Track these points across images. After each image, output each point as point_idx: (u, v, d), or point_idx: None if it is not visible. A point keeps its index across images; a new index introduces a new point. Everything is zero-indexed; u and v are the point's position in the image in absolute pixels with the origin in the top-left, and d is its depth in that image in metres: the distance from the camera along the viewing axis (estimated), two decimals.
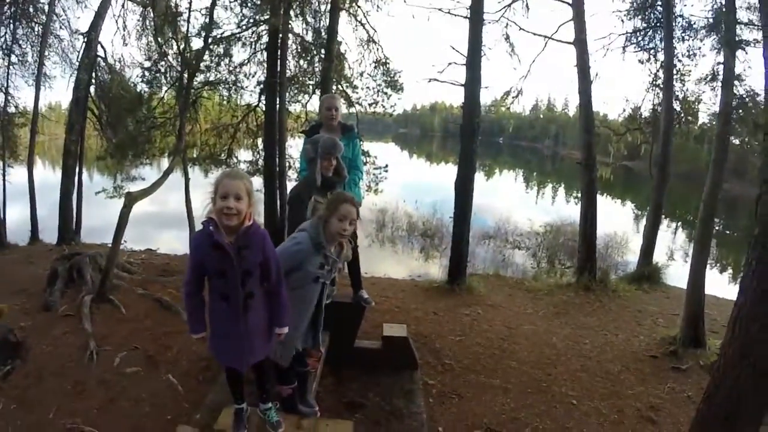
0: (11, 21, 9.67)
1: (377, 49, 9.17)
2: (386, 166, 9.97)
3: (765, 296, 2.27)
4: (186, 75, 7.64)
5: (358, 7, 8.69)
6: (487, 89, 7.24)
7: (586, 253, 7.36)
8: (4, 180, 9.81)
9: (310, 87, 9.41)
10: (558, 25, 7.80)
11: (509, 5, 8.09)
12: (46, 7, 9.88)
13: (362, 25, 8.89)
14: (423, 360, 4.44)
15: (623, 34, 8.34)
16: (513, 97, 8.95)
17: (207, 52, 7.90)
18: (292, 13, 7.76)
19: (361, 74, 9.41)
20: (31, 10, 9.81)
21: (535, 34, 8.00)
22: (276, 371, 2.63)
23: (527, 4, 8.10)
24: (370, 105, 9.65)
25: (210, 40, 7.65)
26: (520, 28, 8.05)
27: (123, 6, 8.87)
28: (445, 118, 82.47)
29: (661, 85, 8.01)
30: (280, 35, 7.46)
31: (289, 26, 7.93)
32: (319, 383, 3.53)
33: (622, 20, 8.32)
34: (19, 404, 3.57)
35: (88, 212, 9.74)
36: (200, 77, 8.46)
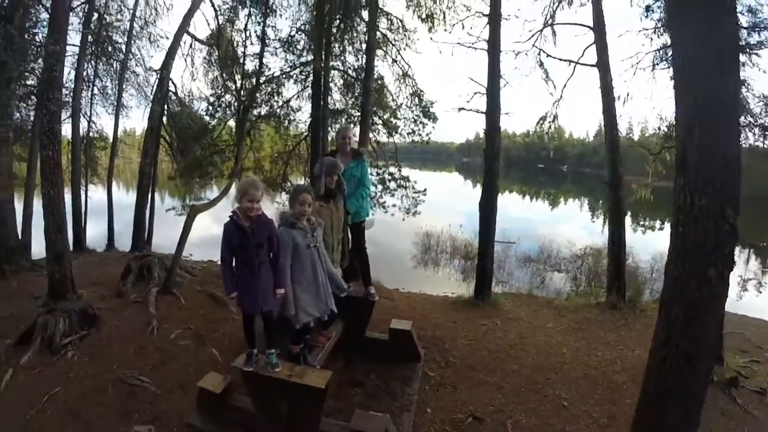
0: (93, 58, 12.01)
1: (412, 83, 10.24)
2: (425, 190, 10.85)
3: (680, 279, 2.55)
4: (242, 109, 9.11)
5: (393, 45, 9.81)
6: (508, 115, 7.79)
7: (615, 272, 7.50)
8: (86, 195, 11.89)
9: (355, 118, 10.55)
10: (583, 49, 8.04)
11: (540, 31, 8.61)
12: (124, 47, 12.18)
13: (395, 61, 10.02)
14: (429, 356, 5.09)
15: (651, 51, 8.33)
16: (549, 122, 9.39)
17: (258, 91, 9.40)
18: (333, 54, 9.06)
19: (399, 106, 10.46)
20: (110, 48, 12.13)
21: (561, 59, 8.40)
22: (292, 333, 3.56)
23: (554, 30, 8.55)
24: (408, 134, 10.65)
25: (262, 79, 9.12)
26: (548, 55, 8.50)
27: (191, 46, 10.70)
28: (507, 147, 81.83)
29: None
30: (323, 74, 8.65)
31: (332, 66, 9.24)
32: (330, 363, 4.34)
33: (651, 38, 8.43)
34: (90, 358, 4.82)
35: (159, 229, 11.36)
36: (255, 111, 10.04)
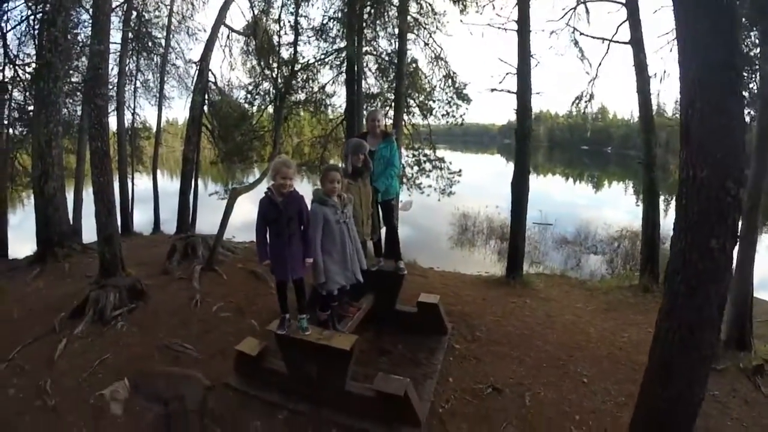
0: (135, 53, 12.79)
1: (445, 65, 10.33)
2: (459, 171, 10.97)
3: (683, 252, 2.57)
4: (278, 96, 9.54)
5: (424, 28, 9.90)
6: (539, 95, 7.76)
7: (648, 254, 7.46)
8: (132, 182, 12.77)
9: (390, 101, 10.75)
10: (616, 26, 7.93)
11: (573, 9, 8.44)
12: (163, 41, 12.90)
13: (427, 45, 10.13)
14: (457, 330, 5.27)
15: None
16: (585, 102, 9.26)
17: (294, 78, 9.82)
18: (366, 40, 9.30)
19: (433, 88, 10.56)
20: (150, 44, 12.90)
21: (594, 37, 8.22)
22: (320, 300, 3.92)
23: (587, 7, 8.37)
24: (442, 116, 10.78)
25: (297, 67, 9.50)
26: (581, 33, 8.34)
27: (228, 37, 11.22)
28: (551, 128, 79.44)
29: None
30: (356, 60, 8.90)
31: (365, 51, 9.51)
32: (360, 332, 4.56)
33: None
34: (138, 328, 5.35)
35: (202, 214, 11.97)
36: (292, 97, 10.48)
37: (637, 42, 7.40)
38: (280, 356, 4.00)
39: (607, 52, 8.32)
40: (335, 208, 3.71)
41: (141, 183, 14.86)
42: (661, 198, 7.93)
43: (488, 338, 5.19)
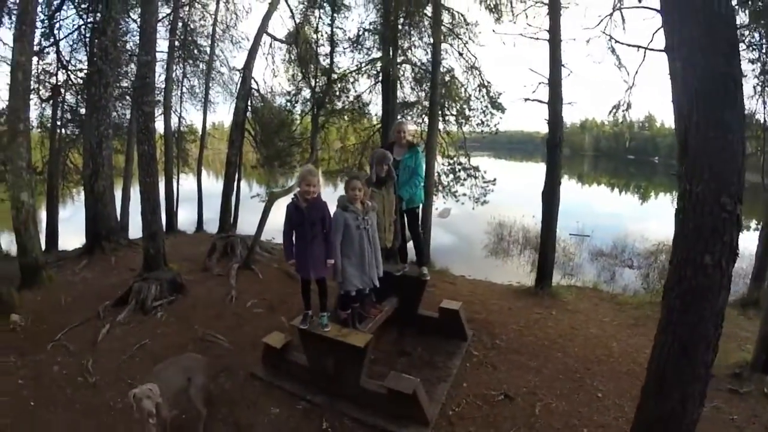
0: (181, 61, 13.68)
1: (479, 74, 10.47)
2: (494, 180, 11.02)
3: (678, 266, 2.58)
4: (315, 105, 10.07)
5: (459, 39, 10.09)
6: (571, 105, 7.73)
7: None
8: (178, 183, 13.64)
9: (427, 110, 11.02)
10: (652, 33, 7.71)
11: (609, 15, 8.30)
12: (208, 49, 13.72)
13: (461, 54, 10.30)
14: (477, 337, 5.42)
15: None
16: (623, 111, 9.12)
17: (331, 88, 10.40)
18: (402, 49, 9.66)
19: (469, 97, 10.72)
20: (196, 51, 13.77)
21: (629, 45, 8.05)
22: (340, 300, 4.20)
23: (623, 15, 8.23)
24: (477, 125, 10.95)
25: (334, 77, 9.98)
26: (616, 41, 8.16)
27: (271, 45, 11.81)
28: (597, 137, 77.23)
29: None
30: (390, 71, 9.22)
31: (402, 60, 9.86)
32: (382, 334, 4.96)
33: None
34: (176, 319, 5.86)
35: (244, 215, 12.58)
36: (328, 106, 11.06)
37: (671, 50, 7.14)
38: (302, 350, 4.31)
39: (643, 60, 8.12)
40: (356, 214, 3.96)
41: (187, 183, 15.79)
42: None
43: (507, 347, 5.28)
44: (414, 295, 5.28)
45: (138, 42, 8.31)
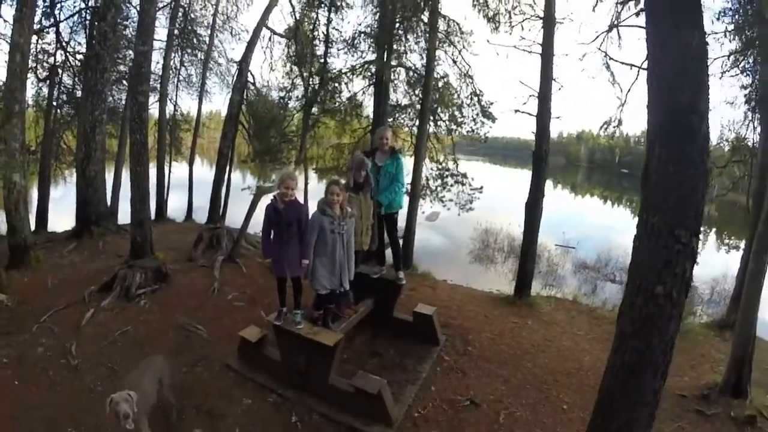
0: (179, 49, 13.76)
1: (472, 83, 10.64)
2: (481, 187, 11.22)
3: (631, 294, 2.69)
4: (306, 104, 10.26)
5: (454, 46, 10.27)
6: (559, 119, 7.90)
7: None
8: (170, 171, 13.76)
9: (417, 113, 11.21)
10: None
11: (607, 32, 8.43)
12: (207, 39, 13.81)
13: (455, 62, 10.46)
14: (450, 343, 5.56)
15: (720, 57, 7.90)
16: (614, 127, 9.30)
17: (323, 88, 10.61)
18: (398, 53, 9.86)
19: (461, 104, 10.89)
20: (195, 41, 13.88)
21: (623, 63, 8.15)
22: (315, 300, 4.33)
23: (619, 33, 8.36)
24: (468, 132, 11.17)
25: (327, 77, 10.17)
26: (610, 58, 8.28)
27: (270, 39, 11.91)
28: (592, 149, 77.77)
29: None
30: (384, 74, 9.42)
31: (398, 63, 10.05)
32: (357, 334, 5.17)
33: (721, 42, 7.90)
34: (159, 307, 6.01)
35: (234, 206, 12.59)
36: (320, 106, 11.26)
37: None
38: (276, 345, 4.47)
39: (636, 79, 8.26)
40: (332, 218, 4.10)
41: (179, 170, 15.85)
42: None
43: (479, 354, 5.42)
44: (389, 298, 5.44)
45: (136, 29, 8.41)
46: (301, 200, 9.77)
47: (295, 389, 4.27)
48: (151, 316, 5.81)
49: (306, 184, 11.28)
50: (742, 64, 8.18)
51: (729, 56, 7.92)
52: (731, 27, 8.17)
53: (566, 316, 7.47)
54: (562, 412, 4.47)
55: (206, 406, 4.15)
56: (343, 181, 4.48)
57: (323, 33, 11.11)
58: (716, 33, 8.22)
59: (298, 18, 11.42)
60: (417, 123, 10.31)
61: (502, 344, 5.82)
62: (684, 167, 2.47)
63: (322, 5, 10.99)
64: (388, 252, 5.66)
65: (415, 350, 5.18)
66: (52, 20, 11.04)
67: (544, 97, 7.35)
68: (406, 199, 9.69)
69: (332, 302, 4.39)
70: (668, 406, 4.67)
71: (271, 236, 4.10)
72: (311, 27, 11.34)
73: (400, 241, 8.30)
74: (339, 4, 10.79)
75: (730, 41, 8.18)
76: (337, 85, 11.35)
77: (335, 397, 4.06)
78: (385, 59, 9.43)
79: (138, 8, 8.73)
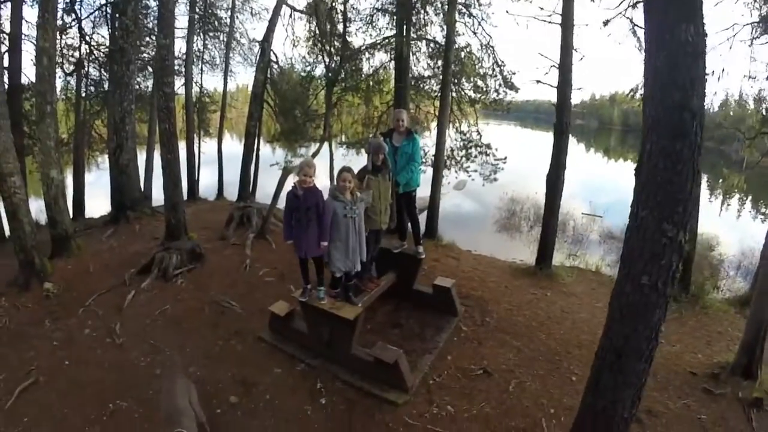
0: (201, 33, 14.14)
1: (493, 52, 10.61)
2: (505, 158, 11.31)
3: (621, 281, 2.84)
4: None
5: (473, 18, 10.24)
6: (581, 90, 7.90)
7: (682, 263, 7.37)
8: (199, 151, 14.42)
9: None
10: None
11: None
12: (228, 21, 14.10)
13: (476, 33, 10.45)
14: (469, 314, 5.90)
15: (750, 23, 7.47)
16: (640, 94, 9.18)
17: (343, 67, 10.93)
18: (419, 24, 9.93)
19: (484, 75, 10.89)
20: (216, 24, 14.20)
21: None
22: (332, 281, 4.72)
23: None
24: (490, 103, 11.21)
25: (347, 55, 10.37)
26: (635, 25, 8.09)
27: (291, 16, 12.05)
28: (626, 111, 74.82)
29: None
30: (404, 50, 9.52)
31: (419, 35, 10.12)
32: (380, 305, 5.62)
33: (750, 8, 7.49)
34: (194, 286, 6.58)
35: (265, 179, 13.12)
36: (342, 84, 11.56)
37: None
38: (303, 319, 4.95)
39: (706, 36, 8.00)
40: (344, 203, 4.42)
41: (210, 147, 16.47)
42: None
43: (496, 325, 5.74)
44: (410, 272, 5.81)
45: (157, 24, 8.73)
46: (328, 176, 10.13)
47: (320, 358, 4.74)
48: (187, 295, 6.37)
49: (331, 161, 11.64)
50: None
51: (759, 23, 7.52)
52: None
53: (587, 287, 7.64)
54: (570, 383, 4.70)
55: (240, 375, 4.67)
56: (355, 169, 4.74)
57: (341, 11, 11.21)
58: None
59: None
60: (439, 95, 10.44)
61: (519, 315, 6.09)
62: (674, 164, 2.56)
63: None
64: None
65: (435, 321, 5.56)
66: (73, 16, 11.60)
67: (565, 68, 7.34)
68: (426, 175, 9.99)
69: (351, 280, 4.76)
70: (678, 383, 4.87)
71: (292, 220, 4.45)
72: (330, 2, 11.43)
73: (424, 214, 8.64)
74: None
75: (760, 7, 7.72)
76: (357, 62, 11.51)
77: (356, 365, 4.50)
78: (404, 34, 9.49)
79: (157, 1, 9.01)
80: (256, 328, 5.48)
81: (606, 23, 7.89)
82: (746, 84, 8.09)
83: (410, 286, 5.85)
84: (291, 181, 5.25)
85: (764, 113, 7.65)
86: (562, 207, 13.69)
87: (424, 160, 10.66)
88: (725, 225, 16.35)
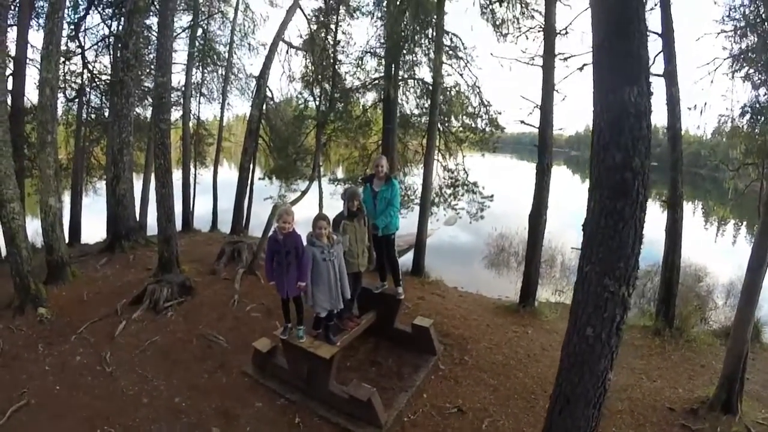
0: (200, 66, 14.82)
1: (479, 93, 11.13)
2: (491, 195, 11.72)
3: (568, 331, 2.99)
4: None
5: (460, 59, 10.81)
6: (562, 131, 8.31)
7: (664, 296, 7.59)
8: (195, 182, 14.88)
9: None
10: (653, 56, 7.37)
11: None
12: (226, 55, 14.98)
13: (461, 75, 11.00)
14: (448, 352, 6.14)
15: (730, 57, 7.87)
16: None
17: (332, 109, 11.54)
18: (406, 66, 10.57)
19: (472, 114, 11.41)
20: (215, 57, 15.21)
21: None
22: (314, 321, 5.04)
23: None
24: (475, 143, 11.81)
25: (337, 95, 11.00)
26: None
27: (287, 52, 12.74)
28: None
29: None
30: (391, 92, 10.10)
31: (406, 77, 10.76)
32: (361, 343, 5.91)
33: (731, 40, 7.93)
34: (184, 319, 6.84)
35: (259, 211, 13.58)
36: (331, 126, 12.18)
37: (669, 74, 7.28)
38: (284, 355, 5.25)
39: (652, 95, 8.42)
40: (322, 248, 4.80)
41: (207, 176, 16.89)
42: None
43: (474, 364, 5.94)
44: (391, 311, 6.10)
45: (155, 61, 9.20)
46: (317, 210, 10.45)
47: (300, 394, 5.01)
48: (177, 327, 6.64)
49: (320, 199, 12.15)
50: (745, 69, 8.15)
51: (739, 56, 7.95)
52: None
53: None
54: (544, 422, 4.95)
55: (223, 407, 4.93)
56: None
57: (331, 54, 11.87)
58: (726, 32, 8.29)
59: (313, 30, 12.23)
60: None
61: (498, 354, 6.30)
62: (615, 222, 2.70)
63: (332, 14, 11.71)
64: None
65: (413, 359, 5.80)
66: (77, 42, 12.23)
67: (546, 109, 7.74)
68: (414, 213, 10.35)
69: (331, 320, 5.08)
70: (655, 419, 5.03)
71: (273, 263, 4.83)
72: (323, 40, 12.06)
73: (405, 255, 8.95)
74: (353, 10, 11.58)
75: (740, 39, 8.20)
76: (347, 104, 12.15)
77: (333, 401, 4.77)
78: (392, 77, 10.08)
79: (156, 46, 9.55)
80: (240, 362, 5.74)
81: (581, 69, 8.33)
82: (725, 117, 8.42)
83: (390, 325, 6.13)
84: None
85: (745, 146, 7.98)
86: (552, 241, 14.26)
87: (413, 198, 11.13)
88: (720, 251, 16.65)
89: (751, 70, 8.10)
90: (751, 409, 5.19)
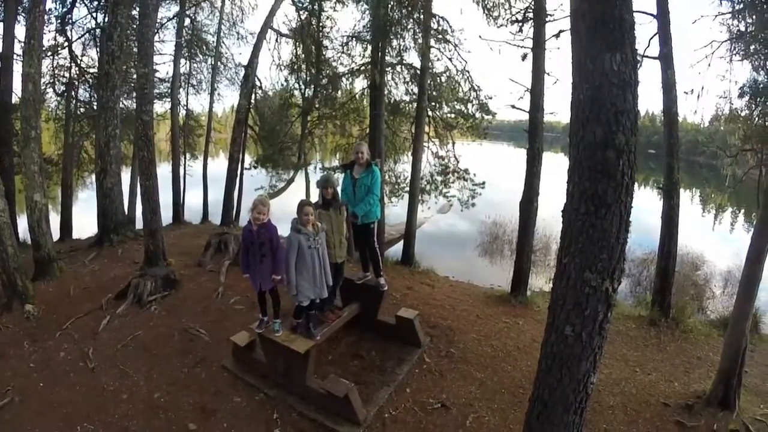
0: (188, 57, 14.66)
1: (469, 77, 10.89)
2: (483, 183, 11.56)
3: (547, 329, 2.81)
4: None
5: (449, 43, 10.53)
6: (553, 114, 8.09)
7: (660, 286, 7.36)
8: (185, 174, 14.76)
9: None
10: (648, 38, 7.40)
11: None
12: (214, 45, 14.82)
13: (451, 60, 10.74)
14: (434, 344, 5.96)
15: (728, 40, 7.66)
16: None
17: (317, 97, 11.34)
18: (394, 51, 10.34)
19: (462, 99, 11.20)
20: (204, 48, 14.98)
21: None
22: (295, 309, 4.86)
23: None
24: (466, 129, 11.61)
25: (321, 84, 10.79)
26: None
27: (276, 40, 12.47)
28: None
29: None
30: (378, 78, 9.85)
31: (395, 62, 10.53)
32: (344, 336, 5.78)
33: (728, 25, 7.70)
34: (167, 312, 6.74)
35: (249, 201, 13.51)
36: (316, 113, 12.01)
37: (665, 57, 7.02)
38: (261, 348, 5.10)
39: (640, 65, 8.19)
40: (308, 235, 4.61)
41: (198, 167, 16.73)
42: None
43: (461, 356, 5.75)
44: (373, 303, 5.92)
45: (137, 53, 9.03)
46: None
47: (278, 389, 4.87)
48: (159, 321, 6.54)
49: (308, 187, 12.01)
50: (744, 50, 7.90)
51: (737, 38, 7.71)
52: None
53: None
54: None
55: (201, 403, 4.82)
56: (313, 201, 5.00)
57: (315, 38, 11.63)
58: (723, 14, 8.07)
59: (303, 18, 11.98)
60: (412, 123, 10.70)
61: (487, 346, 6.12)
62: (596, 207, 2.43)
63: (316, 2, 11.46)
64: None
65: (396, 352, 5.64)
66: (64, 37, 12.05)
67: (537, 93, 7.51)
68: (403, 201, 10.15)
69: (312, 309, 4.92)
70: (648, 416, 4.84)
71: (249, 255, 4.68)
72: (309, 24, 11.82)
73: (387, 246, 8.76)
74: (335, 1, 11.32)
75: (738, 22, 7.99)
76: (332, 90, 11.94)
77: (311, 397, 4.62)
78: (378, 63, 9.86)
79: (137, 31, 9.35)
80: (221, 356, 5.62)
81: (558, 35, 7.89)
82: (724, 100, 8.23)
83: (374, 316, 5.97)
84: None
85: (744, 131, 7.78)
86: (547, 229, 14.05)
87: (403, 186, 10.96)
88: (718, 239, 16.50)
89: (751, 47, 7.85)
90: (750, 404, 5.02)
